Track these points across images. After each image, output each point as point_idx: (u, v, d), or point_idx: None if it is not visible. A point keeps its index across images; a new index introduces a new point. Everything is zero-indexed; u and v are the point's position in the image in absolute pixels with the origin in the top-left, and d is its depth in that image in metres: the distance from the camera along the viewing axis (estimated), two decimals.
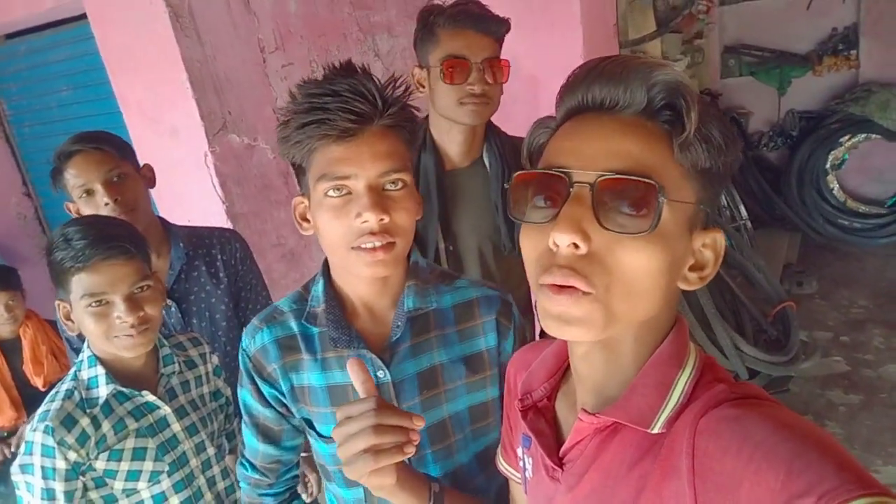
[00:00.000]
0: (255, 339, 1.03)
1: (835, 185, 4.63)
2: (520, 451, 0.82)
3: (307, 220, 0.97)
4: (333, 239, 0.90)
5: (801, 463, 0.49)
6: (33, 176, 3.69)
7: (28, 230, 3.77)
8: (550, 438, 0.73)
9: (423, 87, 1.49)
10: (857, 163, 4.60)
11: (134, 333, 1.23)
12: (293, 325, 1.02)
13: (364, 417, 0.75)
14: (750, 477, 0.51)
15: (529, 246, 0.63)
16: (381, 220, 0.87)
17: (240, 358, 1.06)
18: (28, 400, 2.71)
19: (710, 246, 0.63)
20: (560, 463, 0.70)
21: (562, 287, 0.58)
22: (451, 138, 1.53)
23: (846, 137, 4.49)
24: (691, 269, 0.63)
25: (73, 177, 1.51)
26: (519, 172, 0.65)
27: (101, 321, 1.22)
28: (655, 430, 0.61)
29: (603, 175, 0.58)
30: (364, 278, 0.97)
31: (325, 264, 1.03)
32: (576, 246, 0.57)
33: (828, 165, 4.58)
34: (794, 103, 4.74)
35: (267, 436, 1.07)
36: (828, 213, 4.56)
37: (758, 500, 0.50)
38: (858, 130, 4.43)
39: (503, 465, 0.91)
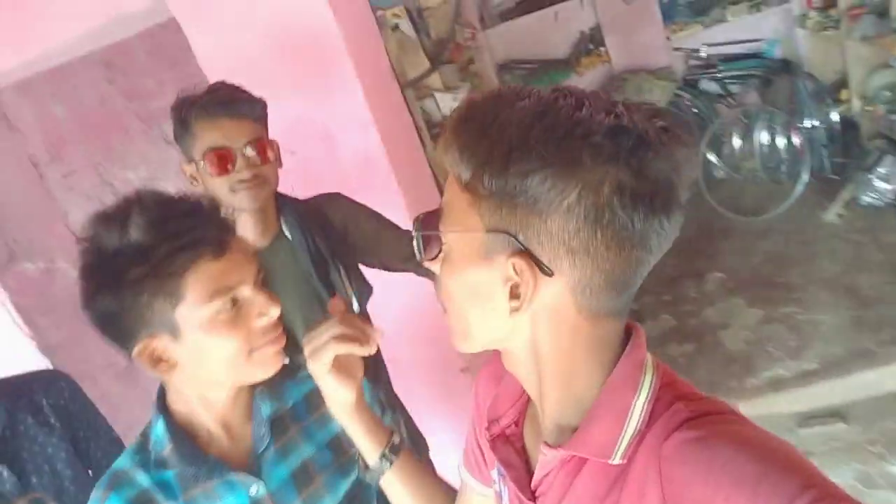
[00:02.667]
0: None
1: None
2: (494, 474, 0.82)
3: (163, 360, 0.89)
4: (230, 353, 0.89)
5: (768, 485, 0.50)
6: None
7: None
8: (521, 470, 0.73)
9: (197, 181, 1.43)
10: None
11: None
12: (142, 479, 0.93)
13: (330, 321, 0.83)
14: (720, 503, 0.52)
15: None
16: (279, 310, 0.92)
17: None
18: None
19: (526, 271, 0.59)
20: (533, 496, 0.70)
21: None
22: (243, 224, 1.47)
23: None
24: (511, 296, 0.61)
25: None
26: None
27: None
28: (616, 462, 0.61)
29: (416, 218, 0.69)
30: (232, 387, 0.96)
31: (160, 401, 0.97)
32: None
33: None
34: None
35: None
36: None
37: None
38: None
39: (463, 472, 0.91)
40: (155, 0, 1.84)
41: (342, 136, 1.96)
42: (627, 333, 0.68)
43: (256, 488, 0.95)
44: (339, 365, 0.84)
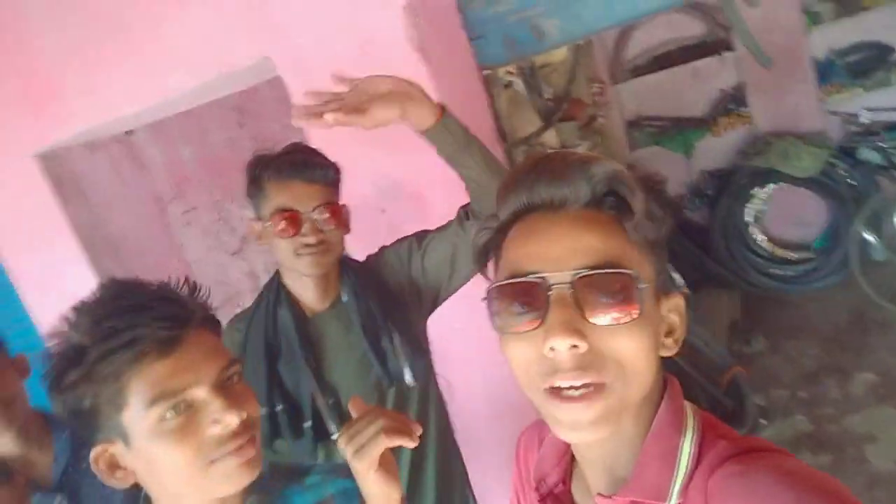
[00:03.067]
0: None
1: (759, 236, 4.73)
2: None
3: (120, 468, 0.83)
4: (182, 465, 0.78)
5: None
6: None
7: None
8: None
9: (262, 239, 1.43)
10: (776, 211, 4.73)
11: None
12: None
13: (370, 414, 0.82)
14: None
15: (520, 355, 0.64)
16: (242, 416, 0.81)
17: None
18: None
19: (675, 310, 0.67)
20: None
21: (570, 398, 0.60)
22: (304, 285, 1.46)
23: (757, 189, 4.64)
24: (665, 334, 0.67)
25: None
26: (492, 285, 0.67)
27: None
28: (672, 503, 0.62)
29: (578, 273, 0.61)
30: (212, 499, 0.84)
31: None
32: (575, 346, 0.59)
33: (748, 218, 4.70)
34: (703, 164, 4.92)
35: None
36: (759, 264, 4.63)
37: None
38: (767, 180, 4.58)
39: None
40: (263, 58, 1.88)
41: (433, 196, 1.88)
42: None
43: None
44: (382, 462, 0.82)
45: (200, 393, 0.79)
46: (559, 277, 0.61)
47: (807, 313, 4.24)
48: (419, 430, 0.81)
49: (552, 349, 0.60)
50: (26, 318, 2.40)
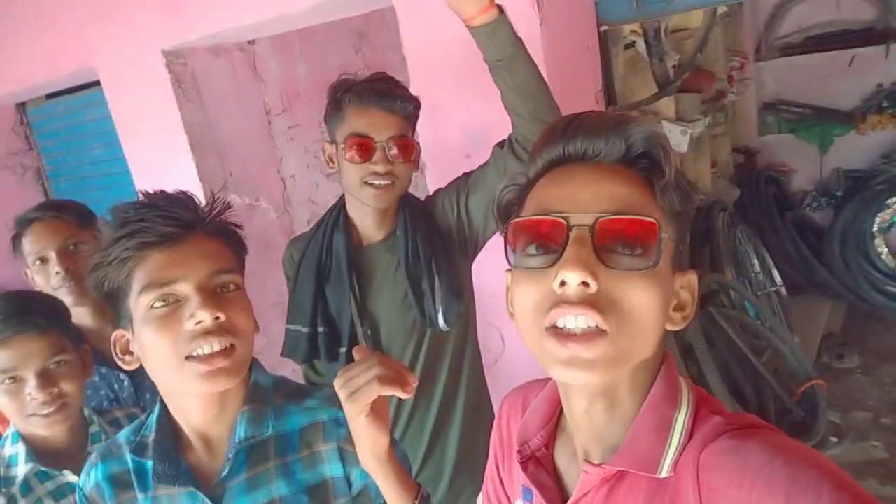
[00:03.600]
0: (89, 476, 0.96)
1: (883, 250, 4.32)
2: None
3: (129, 353, 0.91)
4: (163, 354, 0.84)
5: (799, 487, 0.51)
6: None
7: None
8: (554, 492, 0.73)
9: (333, 162, 1.46)
10: None
11: (48, 411, 1.21)
12: (128, 458, 0.94)
13: (368, 360, 0.80)
14: None
15: (527, 291, 0.63)
16: (217, 318, 0.83)
17: (77, 496, 0.98)
18: None
19: (687, 287, 0.67)
20: None
21: (570, 335, 0.59)
22: (363, 214, 1.48)
23: (895, 199, 4.22)
24: (674, 309, 0.66)
25: (30, 243, 1.53)
26: (513, 220, 0.67)
27: (14, 398, 1.20)
28: (663, 475, 0.62)
29: (601, 216, 0.60)
30: (200, 396, 0.90)
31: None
32: (586, 284, 0.58)
33: (875, 228, 4.29)
34: (837, 162, 4.50)
35: None
36: (875, 279, 4.25)
37: None
38: None
39: None
40: None
41: None
42: None
43: None
44: (373, 408, 0.81)
45: (186, 288, 0.84)
46: (581, 219, 0.61)
47: None
48: (415, 382, 0.81)
49: (563, 283, 0.59)
50: None
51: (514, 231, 0.66)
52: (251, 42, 2.73)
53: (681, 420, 0.64)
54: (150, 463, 0.92)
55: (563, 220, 0.61)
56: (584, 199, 0.62)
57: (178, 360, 0.84)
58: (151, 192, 0.90)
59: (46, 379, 1.20)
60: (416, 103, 1.43)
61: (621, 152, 0.64)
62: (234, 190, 2.62)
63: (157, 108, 2.45)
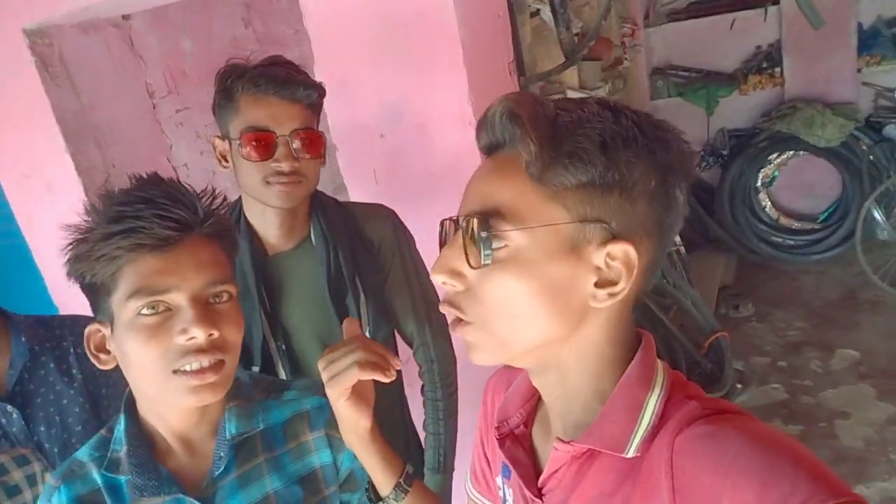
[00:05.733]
0: (51, 502, 0.88)
1: (767, 203, 4.64)
2: (499, 481, 0.81)
3: (106, 352, 0.87)
4: (147, 365, 0.81)
5: (775, 475, 0.51)
6: None
7: None
8: (528, 468, 0.74)
9: (227, 161, 1.29)
10: (788, 179, 4.63)
11: None
12: (96, 476, 0.88)
13: (351, 343, 0.79)
14: (727, 493, 0.53)
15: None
16: (211, 335, 0.81)
17: None
18: None
19: (620, 259, 0.62)
20: (539, 493, 0.71)
21: (453, 321, 0.66)
22: (266, 220, 1.31)
23: (775, 155, 4.51)
24: (599, 286, 0.62)
25: None
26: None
27: None
28: (630, 455, 0.62)
29: (465, 217, 0.63)
30: (184, 408, 0.87)
31: (128, 398, 0.92)
32: (452, 284, 0.65)
33: (759, 183, 4.59)
34: (723, 122, 4.75)
35: None
36: (761, 231, 4.56)
37: None
38: (786, 147, 4.45)
39: (472, 493, 0.90)
40: None
41: (437, 127, 1.77)
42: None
43: None
44: (356, 391, 0.80)
45: (179, 299, 0.80)
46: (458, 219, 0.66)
47: (799, 285, 4.22)
48: (399, 365, 0.79)
49: (443, 283, 0.66)
50: (4, 205, 2.33)
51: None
52: (126, 17, 2.47)
53: (652, 401, 0.64)
54: (123, 478, 0.88)
55: (453, 222, 0.67)
56: (465, 198, 0.67)
57: (164, 374, 0.81)
58: (146, 176, 0.85)
59: None
60: (320, 91, 1.28)
61: (503, 140, 0.65)
62: (118, 183, 2.36)
63: (21, 95, 2.16)
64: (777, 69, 4.56)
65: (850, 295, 3.91)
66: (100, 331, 0.86)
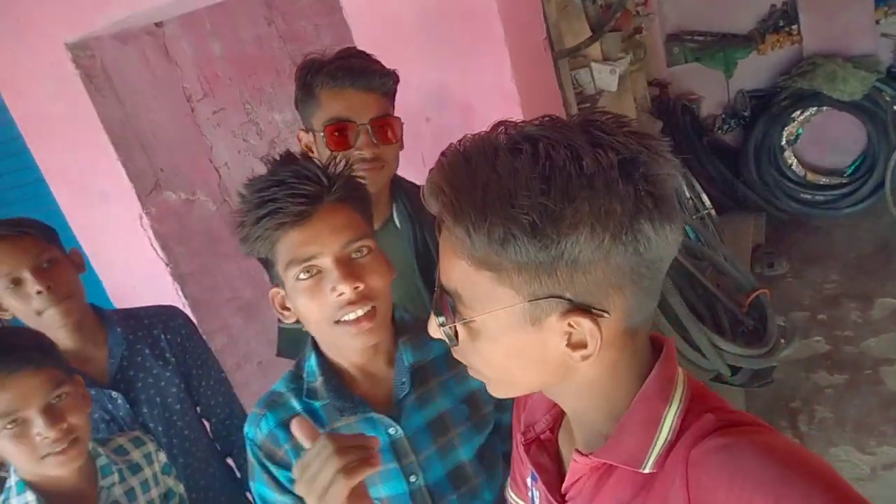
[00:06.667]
0: (260, 427, 1.04)
1: (793, 161, 4.62)
2: (529, 482, 0.83)
3: (287, 309, 1.01)
4: (315, 318, 0.96)
5: (789, 488, 0.51)
6: None
7: None
8: (553, 474, 0.75)
9: (312, 151, 1.34)
10: (812, 136, 4.60)
11: (62, 447, 1.11)
12: (295, 404, 1.04)
13: (321, 452, 0.77)
14: None
15: None
16: (356, 287, 0.92)
17: (248, 450, 1.05)
18: None
19: (585, 326, 0.59)
20: (563, 500, 0.72)
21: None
22: None
23: (798, 112, 4.49)
24: (571, 347, 0.61)
25: None
26: None
27: (21, 442, 1.09)
28: (647, 470, 0.62)
29: (437, 295, 0.68)
30: (355, 350, 1.00)
31: (314, 339, 1.06)
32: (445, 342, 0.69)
33: (783, 142, 4.57)
34: (743, 84, 4.73)
35: None
36: (789, 189, 4.55)
37: None
38: (809, 104, 4.43)
39: (511, 496, 0.92)
40: None
41: (482, 108, 1.81)
42: (656, 347, 0.69)
43: (395, 430, 1.01)
44: (352, 494, 0.76)
45: (325, 262, 0.93)
46: None
47: (832, 239, 4.21)
48: (377, 445, 0.79)
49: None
50: (59, 216, 2.39)
51: None
52: (159, 24, 2.52)
53: (670, 416, 0.63)
54: (319, 403, 1.02)
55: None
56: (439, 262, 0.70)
57: (329, 325, 0.95)
58: (279, 158, 0.96)
59: (53, 415, 1.09)
60: (394, 78, 1.35)
61: (440, 218, 0.64)
62: (167, 187, 2.44)
63: (68, 107, 2.22)
64: (794, 26, 4.52)
65: (884, 245, 3.90)
66: (279, 292, 0.99)
